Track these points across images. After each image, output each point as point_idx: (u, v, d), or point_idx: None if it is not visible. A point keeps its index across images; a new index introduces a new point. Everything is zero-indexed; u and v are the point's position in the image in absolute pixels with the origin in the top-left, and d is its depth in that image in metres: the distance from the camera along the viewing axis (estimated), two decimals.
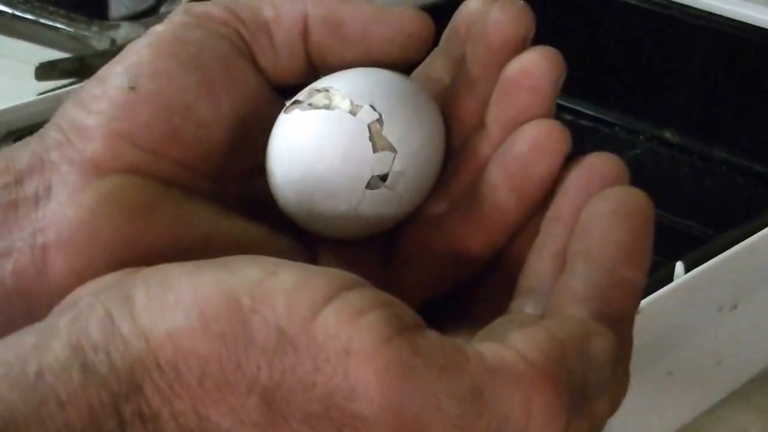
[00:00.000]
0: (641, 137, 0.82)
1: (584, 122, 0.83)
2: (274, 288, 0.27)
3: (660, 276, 0.54)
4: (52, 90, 0.74)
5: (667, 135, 0.81)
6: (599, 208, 0.30)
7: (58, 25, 0.83)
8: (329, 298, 0.26)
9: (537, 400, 0.26)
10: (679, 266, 0.54)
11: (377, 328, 0.26)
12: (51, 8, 0.84)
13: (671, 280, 0.54)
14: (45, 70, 0.78)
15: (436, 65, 0.35)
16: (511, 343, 0.27)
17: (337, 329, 0.26)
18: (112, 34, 0.83)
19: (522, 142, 0.32)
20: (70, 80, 0.77)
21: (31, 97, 0.69)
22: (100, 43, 0.82)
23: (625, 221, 0.30)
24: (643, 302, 0.51)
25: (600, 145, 0.80)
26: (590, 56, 0.82)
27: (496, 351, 0.27)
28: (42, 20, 0.83)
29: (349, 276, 0.28)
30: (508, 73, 0.32)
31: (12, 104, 0.67)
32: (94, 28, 0.83)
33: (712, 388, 0.60)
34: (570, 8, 0.84)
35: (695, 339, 0.57)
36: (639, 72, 0.83)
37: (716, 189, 0.77)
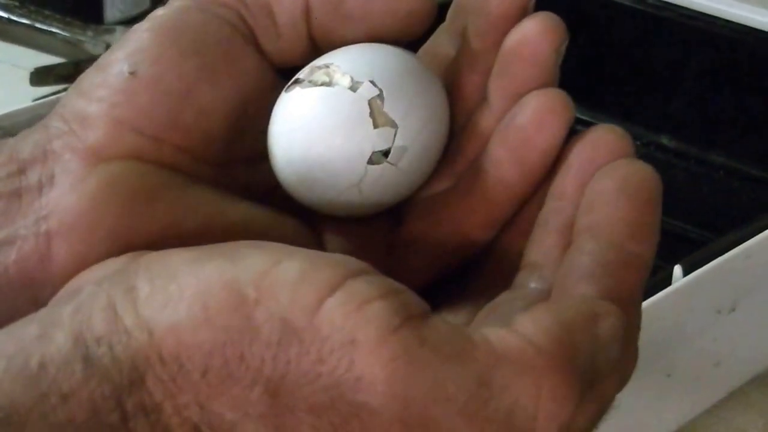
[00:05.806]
0: (638, 142, 0.82)
1: (581, 128, 0.83)
2: (278, 279, 0.26)
3: (658, 279, 0.54)
4: (48, 95, 0.74)
5: (664, 140, 0.81)
6: (605, 183, 0.30)
7: (54, 30, 0.83)
8: (334, 287, 0.26)
9: (545, 386, 0.26)
10: (678, 269, 0.54)
11: (383, 318, 0.26)
12: (46, 12, 0.84)
13: (669, 284, 0.54)
14: (40, 76, 0.77)
15: (441, 41, 0.35)
16: (517, 327, 0.27)
17: (342, 320, 0.26)
18: (108, 38, 0.83)
19: (523, 114, 0.32)
20: (66, 85, 0.77)
21: (27, 103, 0.69)
22: (96, 48, 0.82)
23: (632, 196, 0.30)
24: (642, 305, 0.51)
25: None
26: (586, 61, 0.82)
27: (503, 337, 0.26)
28: (37, 24, 0.83)
29: (354, 263, 0.27)
30: (508, 44, 0.32)
31: (7, 110, 0.66)
32: (90, 33, 0.83)
33: (711, 389, 0.60)
34: (564, 13, 0.83)
35: (694, 341, 0.57)
36: (635, 77, 0.83)
37: (713, 193, 0.77)
